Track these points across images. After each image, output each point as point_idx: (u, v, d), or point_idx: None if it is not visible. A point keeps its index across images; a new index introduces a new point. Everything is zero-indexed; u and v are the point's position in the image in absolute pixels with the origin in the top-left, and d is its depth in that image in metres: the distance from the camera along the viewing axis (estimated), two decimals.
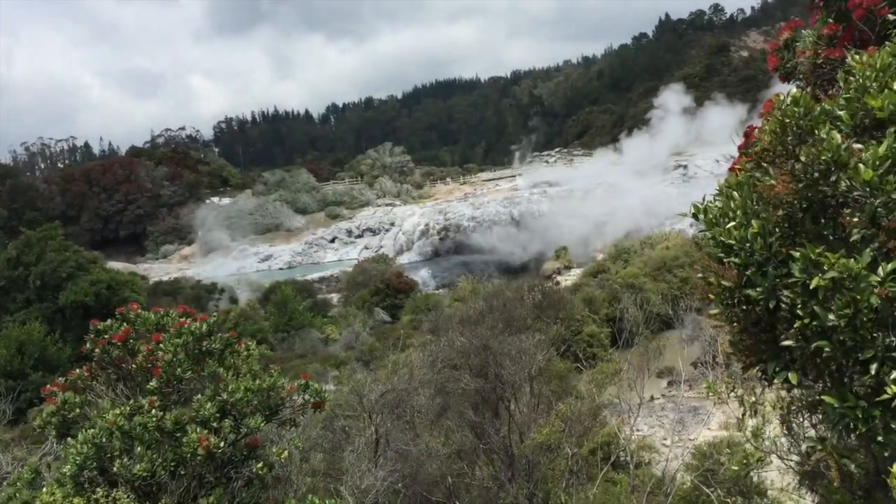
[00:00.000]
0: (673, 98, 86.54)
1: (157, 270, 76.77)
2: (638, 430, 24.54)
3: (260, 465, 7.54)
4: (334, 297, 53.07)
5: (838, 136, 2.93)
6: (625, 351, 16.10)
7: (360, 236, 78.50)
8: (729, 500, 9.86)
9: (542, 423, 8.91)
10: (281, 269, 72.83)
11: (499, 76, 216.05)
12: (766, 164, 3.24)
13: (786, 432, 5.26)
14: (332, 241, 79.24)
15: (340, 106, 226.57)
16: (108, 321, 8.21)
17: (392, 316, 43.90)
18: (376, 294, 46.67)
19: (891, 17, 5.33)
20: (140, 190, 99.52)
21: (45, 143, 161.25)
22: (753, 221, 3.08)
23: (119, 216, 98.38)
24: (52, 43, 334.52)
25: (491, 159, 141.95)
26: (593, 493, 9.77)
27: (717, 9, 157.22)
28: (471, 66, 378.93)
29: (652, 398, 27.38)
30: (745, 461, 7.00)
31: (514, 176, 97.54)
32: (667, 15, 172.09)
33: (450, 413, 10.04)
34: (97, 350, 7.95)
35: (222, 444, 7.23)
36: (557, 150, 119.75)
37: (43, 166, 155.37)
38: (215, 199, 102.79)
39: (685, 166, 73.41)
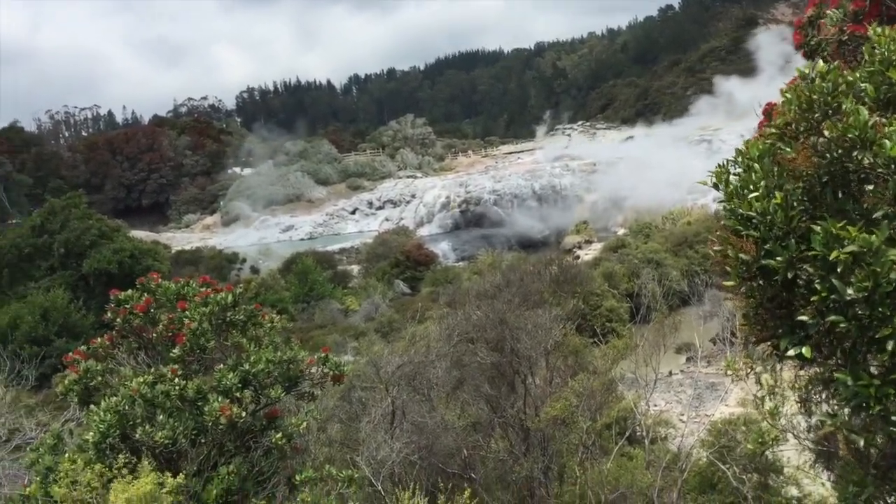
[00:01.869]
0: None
1: (180, 239, 77.38)
2: (655, 406, 24.58)
3: (279, 435, 7.66)
4: (355, 269, 53.30)
5: (866, 113, 2.89)
6: (643, 326, 16.10)
7: (380, 208, 78.59)
8: (745, 478, 9.89)
9: (557, 397, 8.96)
10: (302, 239, 73.11)
11: (522, 48, 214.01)
12: (788, 138, 3.21)
13: (803, 411, 5.27)
14: (353, 212, 79.41)
15: (363, 77, 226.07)
16: (130, 291, 8.31)
17: (412, 288, 44.05)
18: (396, 266, 46.82)
19: None
20: (163, 159, 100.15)
21: (69, 111, 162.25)
22: (777, 193, 3.05)
23: (142, 185, 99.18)
24: (78, 11, 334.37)
25: (513, 132, 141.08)
26: (608, 467, 9.83)
27: None
28: (494, 37, 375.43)
29: (670, 373, 27.37)
30: (760, 440, 7.01)
31: (536, 149, 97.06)
32: None
33: (466, 386, 10.13)
34: (118, 320, 8.06)
35: (244, 413, 7.35)
36: (580, 122, 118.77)
37: (67, 134, 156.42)
38: (237, 169, 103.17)
39: (709, 140, 72.58)
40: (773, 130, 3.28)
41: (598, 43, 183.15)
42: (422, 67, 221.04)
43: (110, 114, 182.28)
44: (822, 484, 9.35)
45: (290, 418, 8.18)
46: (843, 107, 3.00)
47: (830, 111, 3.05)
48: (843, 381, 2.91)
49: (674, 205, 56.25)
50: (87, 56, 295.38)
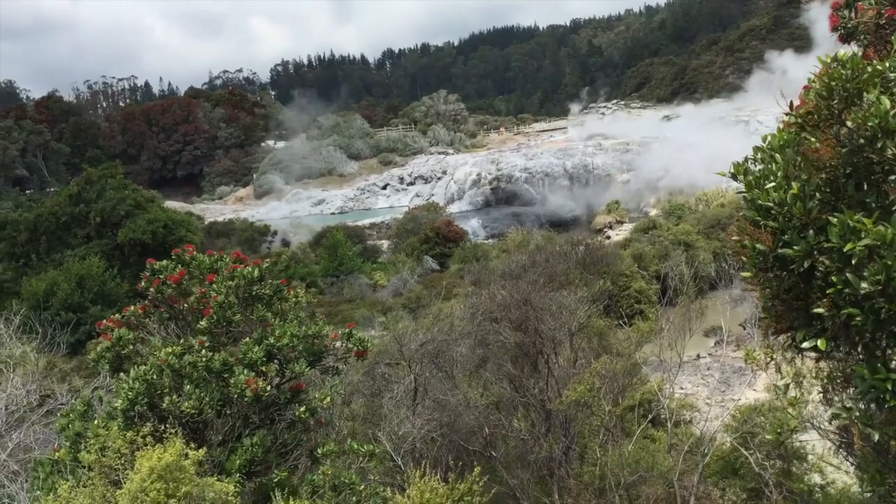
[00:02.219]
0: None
1: (213, 211, 78.13)
2: (682, 388, 24.51)
3: (303, 409, 7.78)
4: (384, 244, 53.48)
5: (887, 102, 2.85)
6: (670, 309, 16.00)
7: (411, 184, 78.52)
8: (767, 464, 9.85)
9: (579, 379, 8.98)
10: (333, 213, 73.40)
11: (558, 24, 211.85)
12: (810, 128, 3.17)
13: (824, 401, 5.24)
14: (384, 187, 79.45)
15: (396, 52, 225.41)
16: (165, 262, 8.45)
17: (440, 264, 44.11)
18: (426, 242, 46.87)
19: None
20: (197, 131, 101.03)
21: (107, 81, 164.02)
22: (794, 183, 3.02)
23: (177, 156, 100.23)
24: None
25: (546, 110, 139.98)
26: (629, 449, 9.85)
27: None
28: (530, 12, 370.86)
29: (698, 356, 27.23)
30: (778, 430, 6.98)
31: (569, 127, 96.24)
32: None
33: (489, 365, 10.18)
34: (152, 289, 8.22)
35: (269, 387, 7.48)
36: (615, 101, 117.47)
37: (105, 105, 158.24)
38: (270, 142, 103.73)
39: (746, 121, 71.36)
40: (796, 120, 3.24)
41: (635, 20, 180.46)
42: (456, 43, 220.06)
43: (147, 85, 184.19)
44: (846, 472, 9.30)
45: (314, 392, 8.30)
46: (865, 96, 2.95)
47: (851, 99, 3.00)
48: (860, 375, 2.89)
49: (707, 186, 55.51)
50: (127, 27, 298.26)
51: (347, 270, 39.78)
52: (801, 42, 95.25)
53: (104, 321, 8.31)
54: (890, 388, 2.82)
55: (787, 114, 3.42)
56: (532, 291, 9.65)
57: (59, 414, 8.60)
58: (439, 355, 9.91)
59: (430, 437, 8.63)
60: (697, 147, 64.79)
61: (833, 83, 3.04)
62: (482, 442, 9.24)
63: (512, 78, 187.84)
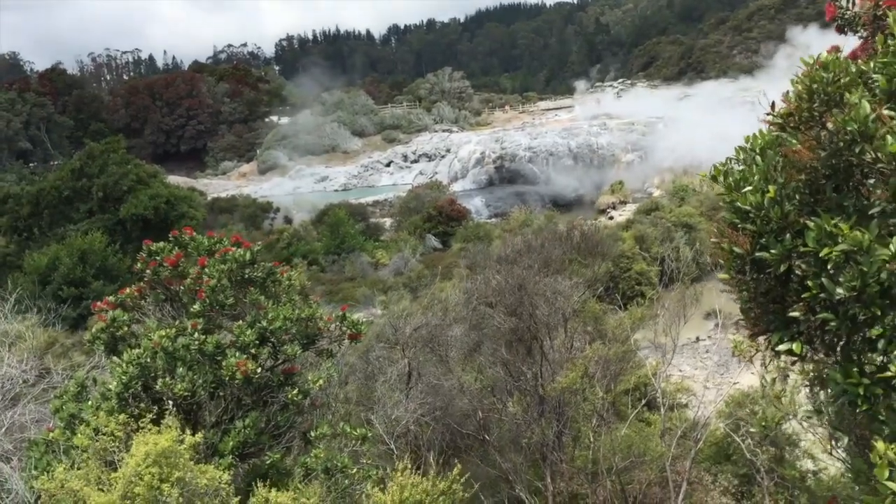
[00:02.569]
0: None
1: (216, 186, 78.11)
2: (680, 371, 24.58)
3: (295, 391, 7.83)
4: (387, 222, 53.49)
5: (867, 106, 2.83)
6: (670, 291, 16.00)
7: (415, 161, 78.38)
8: (759, 451, 9.90)
9: (571, 365, 9.01)
10: (336, 190, 73.36)
11: (565, 1, 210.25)
12: (790, 129, 3.16)
13: (809, 397, 5.26)
14: (388, 164, 79.33)
15: (402, 28, 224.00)
16: (162, 243, 8.46)
17: (443, 243, 44.13)
18: (428, 220, 46.86)
19: None
20: (201, 105, 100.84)
21: (111, 54, 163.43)
22: (770, 187, 3.02)
23: (181, 131, 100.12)
24: None
25: (552, 88, 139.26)
26: (622, 433, 9.91)
27: None
28: None
29: (697, 339, 27.30)
30: (763, 423, 7.01)
31: (574, 107, 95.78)
32: None
33: (483, 349, 10.22)
34: (148, 271, 8.24)
35: (259, 369, 7.51)
36: (621, 80, 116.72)
37: (109, 78, 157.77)
38: (274, 118, 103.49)
39: (753, 102, 70.91)
40: (777, 120, 3.22)
41: None
42: (462, 19, 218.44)
43: (151, 58, 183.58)
44: (838, 459, 9.34)
45: (307, 374, 8.34)
46: (847, 98, 2.93)
47: (832, 102, 2.98)
48: (833, 379, 2.91)
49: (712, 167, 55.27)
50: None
51: (349, 248, 39.82)
52: (810, 22, 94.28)
53: (99, 303, 8.32)
54: (862, 393, 2.84)
55: (767, 114, 3.41)
56: (527, 277, 9.66)
57: (52, 395, 8.65)
58: (433, 339, 9.95)
59: (423, 420, 8.70)
60: (702, 127, 64.53)
61: (814, 86, 3.02)
62: (476, 426, 9.31)
63: (518, 56, 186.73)
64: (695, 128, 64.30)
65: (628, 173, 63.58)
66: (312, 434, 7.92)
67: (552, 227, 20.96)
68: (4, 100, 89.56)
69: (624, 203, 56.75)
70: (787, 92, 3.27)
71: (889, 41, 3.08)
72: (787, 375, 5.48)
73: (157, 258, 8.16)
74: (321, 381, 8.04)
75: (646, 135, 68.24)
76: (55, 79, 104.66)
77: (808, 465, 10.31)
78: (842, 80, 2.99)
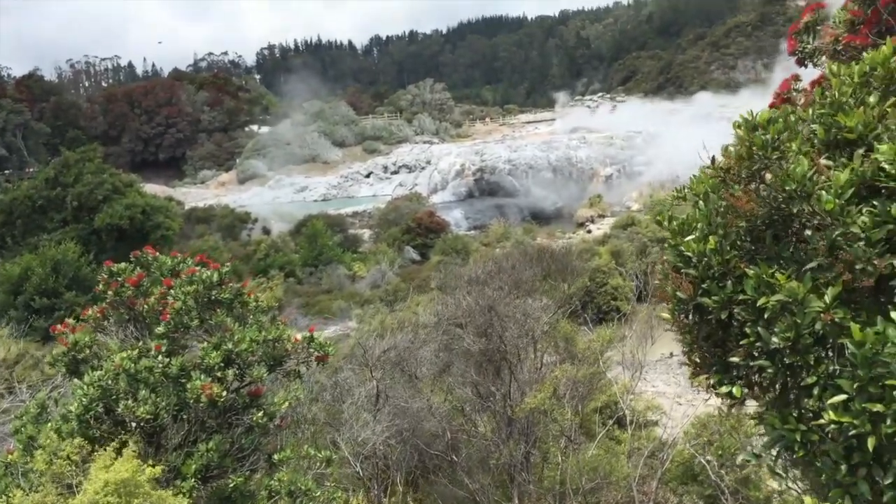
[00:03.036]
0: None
1: (194, 195, 77.63)
2: (654, 387, 24.68)
3: (260, 413, 7.76)
4: (366, 233, 53.38)
5: (805, 164, 2.88)
6: (645, 305, 16.07)
7: (395, 172, 78.45)
8: (723, 472, 9.95)
9: (540, 386, 9.03)
10: (315, 200, 73.20)
11: (546, 15, 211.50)
12: (730, 182, 3.21)
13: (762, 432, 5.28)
14: (368, 175, 79.33)
15: (384, 38, 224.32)
16: (123, 264, 8.38)
17: (422, 255, 44.09)
18: (407, 232, 46.83)
19: None
20: (181, 114, 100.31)
21: (89, 61, 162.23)
22: (711, 238, 3.07)
23: (159, 139, 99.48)
24: None
25: (533, 101, 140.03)
26: (589, 454, 9.93)
27: None
28: (519, 2, 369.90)
29: (671, 355, 27.43)
30: (720, 453, 7.06)
31: (554, 119, 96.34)
32: None
33: (453, 369, 10.22)
34: (109, 293, 8.15)
35: (224, 392, 7.44)
36: (600, 94, 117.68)
37: (87, 84, 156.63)
38: (254, 127, 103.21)
39: (730, 118, 71.65)
40: (717, 174, 3.27)
41: (623, 13, 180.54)
42: (444, 31, 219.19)
43: (130, 65, 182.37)
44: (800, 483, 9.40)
45: (273, 396, 8.29)
46: (786, 148, 2.98)
47: (770, 162, 3.03)
48: (770, 423, 2.94)
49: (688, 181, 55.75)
50: (112, 5, 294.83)
51: (327, 260, 39.70)
52: (786, 38, 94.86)
53: (58, 326, 8.22)
54: (799, 439, 2.87)
55: (707, 167, 3.45)
56: (497, 298, 9.68)
57: (12, 416, 8.54)
58: (403, 361, 9.93)
59: (390, 442, 8.67)
60: (680, 142, 65.15)
61: (754, 147, 3.07)
62: (444, 446, 9.29)
63: (500, 68, 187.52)
64: (673, 142, 64.94)
65: (607, 187, 64.05)
66: (276, 457, 7.86)
67: (523, 248, 21.04)
68: None
69: (602, 216, 57.08)
70: (727, 147, 3.32)
71: (826, 92, 3.13)
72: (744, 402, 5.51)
73: (119, 279, 8.08)
74: (287, 404, 7.99)
75: (624, 149, 68.78)
76: (32, 85, 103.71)
77: (773, 485, 10.38)
78: (780, 141, 3.04)
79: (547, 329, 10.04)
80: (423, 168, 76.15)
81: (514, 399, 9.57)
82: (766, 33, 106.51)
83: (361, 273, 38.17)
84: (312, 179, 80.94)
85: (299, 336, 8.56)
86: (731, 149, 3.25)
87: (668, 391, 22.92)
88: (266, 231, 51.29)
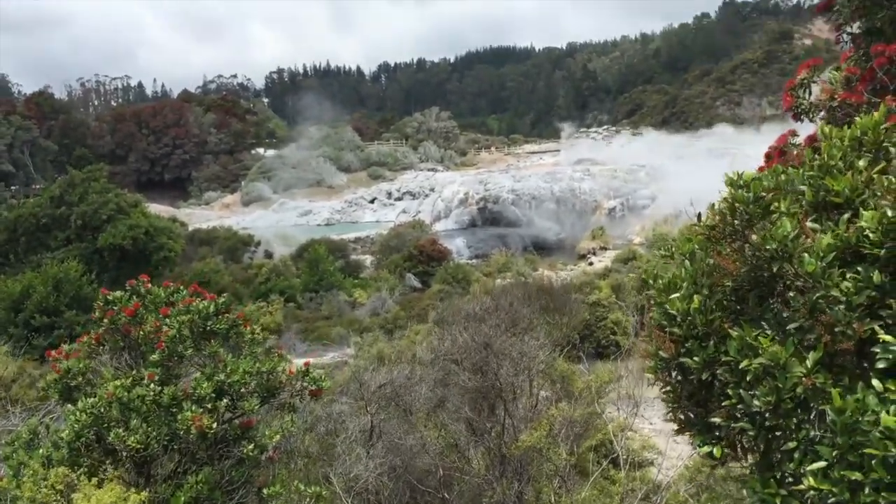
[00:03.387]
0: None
1: (198, 216, 77.89)
2: (651, 424, 24.49)
3: (251, 446, 7.73)
4: (368, 259, 53.43)
5: (788, 226, 2.90)
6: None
7: (399, 199, 78.72)
8: None
9: (536, 424, 8.99)
10: (319, 225, 73.38)
11: (554, 47, 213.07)
12: (715, 240, 3.23)
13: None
14: (372, 201, 79.61)
15: (392, 65, 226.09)
16: (119, 293, 8.41)
17: (423, 283, 44.06)
18: (409, 259, 46.84)
19: None
20: (188, 135, 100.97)
21: (100, 80, 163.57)
22: (696, 297, 3.08)
23: (166, 159, 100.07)
24: None
25: (538, 131, 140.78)
26: (583, 495, 9.85)
27: None
28: (527, 34, 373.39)
29: None
30: (710, 499, 7.02)
31: (559, 150, 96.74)
32: None
33: (447, 404, 10.18)
34: (105, 321, 8.17)
35: (215, 424, 7.42)
36: (605, 127, 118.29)
37: (96, 103, 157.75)
38: (260, 150, 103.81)
39: (734, 154, 71.93)
40: (703, 231, 3.30)
41: (630, 47, 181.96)
42: (452, 59, 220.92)
43: (140, 85, 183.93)
44: None
45: (264, 429, 8.25)
46: (777, 206, 3.00)
47: (754, 221, 3.05)
48: (751, 487, 2.93)
49: (691, 217, 55.82)
50: (124, 25, 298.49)
51: (328, 286, 39.69)
52: (790, 77, 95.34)
53: (53, 353, 8.23)
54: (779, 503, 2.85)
55: (693, 225, 3.48)
56: (494, 336, 9.66)
57: (3, 441, 8.51)
58: (398, 397, 9.90)
59: (382, 479, 8.61)
60: (684, 177, 65.44)
61: (737, 205, 3.09)
62: (436, 483, 9.23)
63: (506, 98, 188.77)
64: (676, 177, 65.22)
65: (610, 219, 64.17)
66: (266, 492, 7.81)
67: (524, 285, 21.08)
68: None
69: (604, 249, 57.11)
70: (713, 205, 3.35)
71: (817, 154, 3.16)
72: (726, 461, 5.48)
73: (115, 307, 8.11)
74: (278, 437, 7.96)
75: (628, 182, 69.00)
76: (42, 103, 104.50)
77: None
78: (763, 199, 3.06)
79: (543, 368, 10.03)
80: (426, 195, 76.43)
81: (509, 437, 9.52)
82: (772, 71, 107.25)
83: (362, 300, 38.14)
84: (316, 203, 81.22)
85: (294, 368, 8.56)
86: (717, 206, 3.28)
87: (665, 428, 22.72)
88: (268, 254, 51.36)
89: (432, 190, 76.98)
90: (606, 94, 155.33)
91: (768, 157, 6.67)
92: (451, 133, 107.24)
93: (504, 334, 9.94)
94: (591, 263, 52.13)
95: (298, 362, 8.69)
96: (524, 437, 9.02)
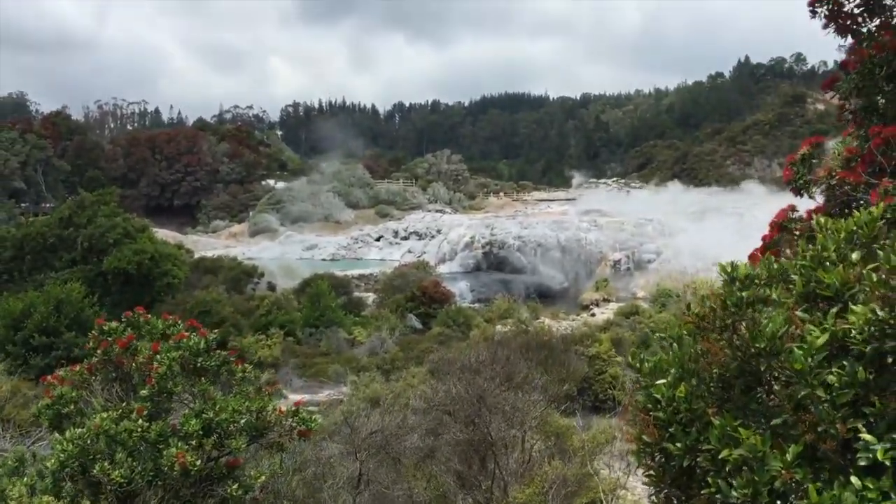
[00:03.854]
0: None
1: (204, 244, 78.15)
2: (644, 481, 24.21)
3: (236, 486, 7.66)
4: (370, 297, 53.36)
5: (778, 321, 2.90)
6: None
7: (405, 238, 78.92)
8: None
9: (528, 480, 8.90)
10: (324, 259, 73.50)
11: (568, 96, 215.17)
12: (704, 329, 3.23)
13: None
14: (378, 239, 79.81)
15: (407, 105, 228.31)
16: (115, 324, 8.42)
17: (424, 324, 43.94)
18: (411, 300, 46.78)
19: None
20: (200, 163, 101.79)
21: (117, 103, 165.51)
22: (683, 385, 3.08)
23: (176, 185, 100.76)
24: (145, 7, 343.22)
25: (548, 179, 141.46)
26: None
27: (798, 58, 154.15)
28: (542, 82, 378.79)
29: None
30: None
31: (568, 200, 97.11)
32: (746, 57, 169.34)
33: (438, 454, 10.08)
34: (99, 351, 8.17)
35: (199, 462, 7.36)
36: (615, 179, 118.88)
37: (112, 126, 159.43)
38: (271, 182, 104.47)
39: (742, 214, 72.12)
40: (690, 320, 3.30)
41: (643, 101, 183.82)
42: (466, 103, 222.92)
43: (157, 111, 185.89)
44: None
45: (251, 469, 8.18)
46: (769, 294, 3.01)
47: (743, 315, 3.06)
48: None
49: (696, 273, 55.84)
50: (146, 52, 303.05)
51: (328, 322, 39.59)
52: (801, 140, 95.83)
53: (49, 377, 8.22)
54: None
55: (683, 313, 3.49)
56: (488, 389, 9.60)
57: None
58: (388, 445, 9.80)
59: None
60: (690, 234, 65.65)
61: (728, 300, 3.11)
62: None
63: (518, 144, 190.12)
64: (682, 233, 65.37)
65: (614, 272, 64.11)
66: None
67: (523, 336, 21.03)
68: (5, 139, 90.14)
69: (607, 301, 56.95)
70: (703, 296, 3.36)
71: (810, 245, 3.17)
72: None
73: (110, 338, 8.11)
74: (263, 478, 7.89)
75: (635, 235, 69.10)
76: (58, 122, 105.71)
77: None
78: (754, 295, 3.08)
79: (537, 423, 9.95)
80: (433, 236, 76.61)
81: (500, 491, 9.41)
82: (783, 133, 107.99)
83: (361, 338, 38.01)
84: (323, 238, 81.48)
85: (283, 407, 8.51)
86: (706, 299, 3.29)
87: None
88: (272, 287, 51.34)
89: (439, 231, 77.19)
90: (618, 147, 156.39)
91: (771, 228, 6.71)
92: (461, 176, 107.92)
93: (498, 388, 9.87)
94: (593, 314, 51.95)
95: (294, 398, 8.66)
96: (516, 494, 8.92)
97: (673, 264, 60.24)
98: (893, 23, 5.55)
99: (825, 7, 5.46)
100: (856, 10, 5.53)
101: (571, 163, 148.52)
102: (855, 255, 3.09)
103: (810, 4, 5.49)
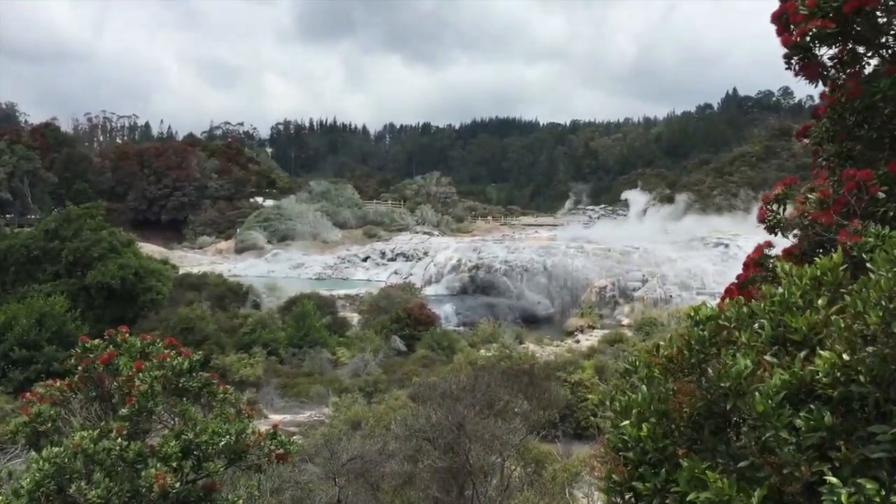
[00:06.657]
0: None
1: (191, 260, 77.85)
2: None
3: None
4: (355, 317, 53.22)
5: (742, 364, 2.97)
6: None
7: (392, 259, 78.88)
8: None
9: None
10: (310, 278, 73.32)
11: (558, 123, 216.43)
12: (672, 370, 3.30)
13: None
14: (365, 259, 79.73)
15: (398, 126, 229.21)
16: (97, 341, 8.41)
17: (408, 346, 43.82)
18: (396, 322, 46.68)
19: (881, 194, 5.36)
20: (188, 178, 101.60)
21: (107, 116, 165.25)
22: (644, 425, 3.14)
23: (164, 200, 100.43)
24: (142, 20, 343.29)
25: (536, 204, 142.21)
26: None
27: (786, 92, 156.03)
28: (534, 107, 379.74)
29: None
30: None
31: (555, 226, 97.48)
32: (734, 90, 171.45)
33: (416, 481, 10.07)
34: (80, 368, 8.15)
35: (178, 484, 7.34)
36: (602, 206, 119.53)
37: (101, 139, 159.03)
38: (259, 199, 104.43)
39: (727, 245, 72.62)
40: (658, 362, 3.38)
41: (632, 130, 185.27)
42: (457, 126, 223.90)
43: (147, 125, 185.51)
44: None
45: (229, 492, 8.16)
46: (735, 337, 3.08)
47: (709, 357, 3.14)
48: None
49: (681, 303, 56.13)
50: (141, 65, 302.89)
51: (312, 342, 39.43)
52: (787, 173, 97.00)
53: (28, 394, 8.18)
54: None
55: (651, 354, 3.56)
56: (468, 416, 9.62)
57: None
58: (367, 472, 9.79)
59: None
60: (676, 262, 66.02)
61: (693, 342, 3.19)
62: None
63: (507, 168, 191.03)
64: (668, 262, 65.73)
65: (600, 298, 64.25)
66: None
67: (505, 359, 21.08)
68: None
69: (592, 328, 57.03)
70: (670, 336, 3.44)
71: (776, 290, 3.26)
72: None
73: (91, 355, 8.10)
74: (241, 502, 7.87)
75: (621, 262, 69.34)
76: (47, 134, 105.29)
77: None
78: (719, 338, 3.16)
79: (515, 452, 9.97)
80: (420, 258, 76.61)
81: None
82: (770, 166, 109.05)
83: (344, 359, 37.87)
84: (310, 257, 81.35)
85: (263, 429, 8.50)
86: (673, 340, 3.37)
87: None
88: (256, 304, 51.14)
89: (426, 253, 77.21)
90: (606, 173, 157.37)
91: (746, 266, 6.83)
92: (449, 198, 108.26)
93: (478, 415, 9.90)
94: (577, 341, 51.99)
95: (275, 418, 8.65)
96: None
97: (658, 293, 60.55)
98: (863, 72, 5.71)
99: (796, 61, 5.60)
100: (828, 62, 5.68)
101: (560, 188, 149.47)
102: (821, 301, 3.18)
103: (785, 57, 5.63)
